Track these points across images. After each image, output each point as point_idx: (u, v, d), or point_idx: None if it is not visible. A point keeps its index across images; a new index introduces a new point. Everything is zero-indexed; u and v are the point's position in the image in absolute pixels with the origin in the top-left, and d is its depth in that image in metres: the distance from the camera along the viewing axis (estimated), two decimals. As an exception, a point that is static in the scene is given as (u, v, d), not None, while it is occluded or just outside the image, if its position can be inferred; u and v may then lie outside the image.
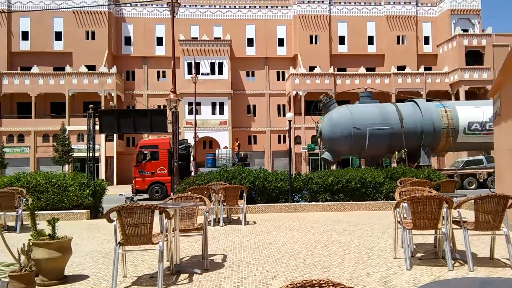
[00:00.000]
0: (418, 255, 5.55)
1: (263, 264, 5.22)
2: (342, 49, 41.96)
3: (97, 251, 6.31)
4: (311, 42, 41.06)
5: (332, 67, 39.79)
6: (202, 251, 5.27)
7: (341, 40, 41.92)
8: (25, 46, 38.77)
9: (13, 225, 8.72)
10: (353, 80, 39.42)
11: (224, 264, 5.25)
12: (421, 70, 40.27)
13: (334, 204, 10.99)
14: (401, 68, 40.81)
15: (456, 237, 5.49)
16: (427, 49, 42.92)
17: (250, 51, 41.61)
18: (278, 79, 42.00)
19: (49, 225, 4.73)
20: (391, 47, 41.84)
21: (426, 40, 42.92)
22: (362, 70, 40.05)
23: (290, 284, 1.55)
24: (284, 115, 40.53)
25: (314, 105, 21.19)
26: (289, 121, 12.61)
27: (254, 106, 41.40)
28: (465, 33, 39.76)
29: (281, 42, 42.07)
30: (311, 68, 39.84)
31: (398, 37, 42.10)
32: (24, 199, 8.63)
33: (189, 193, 7.05)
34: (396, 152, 18.13)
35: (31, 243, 4.50)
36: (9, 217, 9.05)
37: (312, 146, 35.14)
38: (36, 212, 5.04)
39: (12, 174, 10.93)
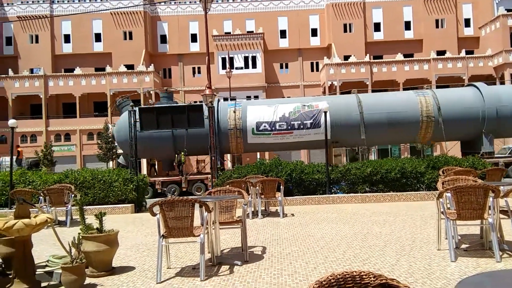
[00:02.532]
0: (463, 246, 5.38)
1: (302, 256, 5.24)
2: (378, 36, 40.79)
3: (142, 244, 6.56)
4: (345, 31, 40.21)
5: (368, 55, 38.81)
6: (242, 243, 5.36)
7: (377, 27, 40.76)
8: (67, 48, 40.48)
9: (64, 219, 9.21)
10: (390, 68, 38.27)
11: (263, 256, 5.31)
12: (463, 54, 38.45)
13: (373, 195, 10.80)
14: (441, 53, 39.14)
15: (504, 227, 5.26)
16: (468, 32, 40.89)
17: (283, 43, 41.31)
18: (312, 70, 41.49)
19: (97, 219, 4.96)
20: (429, 31, 40.20)
21: (467, 23, 40.88)
22: (399, 56, 38.79)
23: (331, 276, 1.57)
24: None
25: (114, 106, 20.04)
26: (325, 112, 12.47)
27: (288, 98, 41.18)
28: (510, 13, 37.49)
29: (314, 32, 41.47)
30: (346, 57, 39.03)
31: (436, 21, 40.37)
32: (72, 195, 9.10)
33: (227, 186, 7.17)
34: (176, 155, 17.33)
35: (80, 237, 4.75)
36: (59, 212, 9.56)
37: (349, 136, 34.49)
38: (84, 207, 5.31)
39: (60, 171, 11.51)
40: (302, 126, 16.87)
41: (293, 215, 9.04)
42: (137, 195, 11.01)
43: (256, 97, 38.39)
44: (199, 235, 4.49)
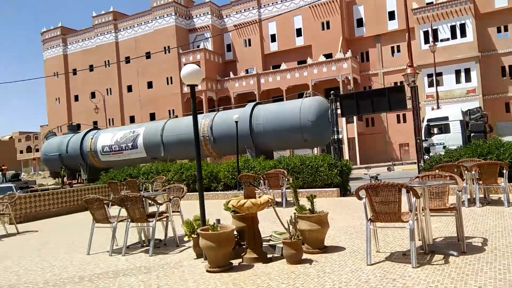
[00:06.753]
0: None
1: (537, 252, 4.49)
2: None
3: (350, 226, 6.85)
4: None
5: None
6: (457, 233, 4.98)
7: None
8: (274, 47, 44.72)
9: (280, 201, 10.40)
10: None
11: (484, 248, 4.80)
12: None
13: None
14: None
15: None
16: None
17: (500, 2, 34.84)
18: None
19: (308, 201, 5.47)
20: None
21: None
22: None
23: None
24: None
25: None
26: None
27: (510, 66, 34.65)
28: None
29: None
30: None
31: None
32: (286, 179, 10.16)
33: (437, 171, 6.70)
34: (62, 171, 26.39)
35: (296, 216, 5.33)
36: (276, 194, 10.82)
37: None
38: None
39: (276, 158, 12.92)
40: (127, 148, 23.05)
41: (522, 204, 7.74)
42: (341, 180, 11.42)
43: (467, 70, 33.77)
44: (407, 221, 4.41)
